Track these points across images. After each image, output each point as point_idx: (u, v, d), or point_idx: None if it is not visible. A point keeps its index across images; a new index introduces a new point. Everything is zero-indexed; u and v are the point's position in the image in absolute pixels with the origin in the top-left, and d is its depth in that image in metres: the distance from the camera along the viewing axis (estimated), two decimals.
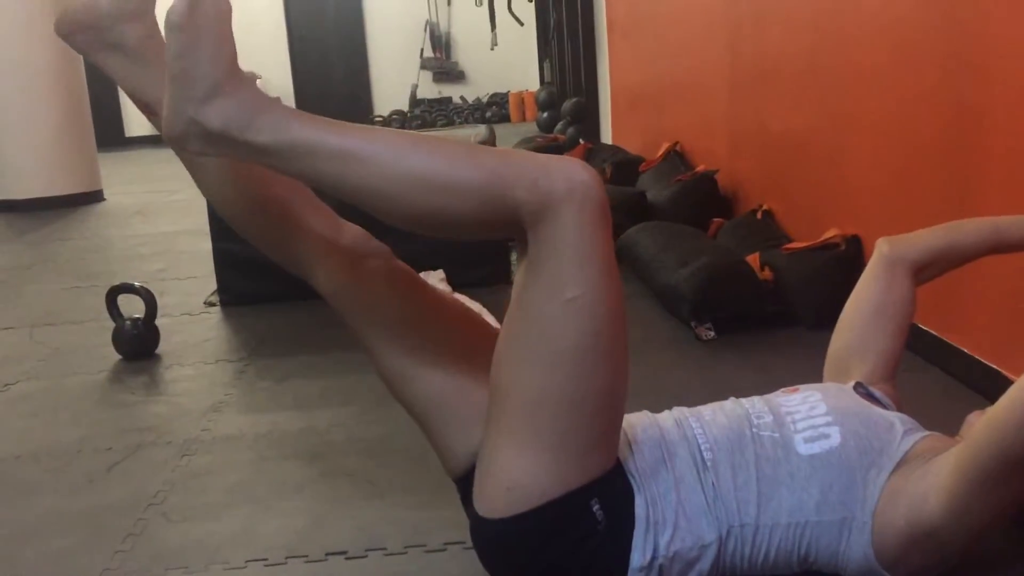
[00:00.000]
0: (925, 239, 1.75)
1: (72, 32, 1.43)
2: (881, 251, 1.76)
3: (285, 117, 1.23)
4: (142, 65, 1.43)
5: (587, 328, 1.29)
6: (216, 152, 1.26)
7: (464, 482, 1.44)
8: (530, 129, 9.50)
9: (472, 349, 1.43)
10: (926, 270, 1.74)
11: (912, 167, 2.45)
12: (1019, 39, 1.96)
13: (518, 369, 1.32)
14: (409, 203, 1.25)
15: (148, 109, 1.46)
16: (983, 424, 1.29)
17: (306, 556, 1.61)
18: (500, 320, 1.39)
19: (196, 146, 1.25)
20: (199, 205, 3.60)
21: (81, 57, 1.55)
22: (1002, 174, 2.05)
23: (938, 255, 1.74)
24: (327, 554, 1.61)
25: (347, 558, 1.60)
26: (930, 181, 2.36)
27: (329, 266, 1.44)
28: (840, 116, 2.91)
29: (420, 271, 3.54)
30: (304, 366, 2.69)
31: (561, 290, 1.27)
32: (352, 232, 1.47)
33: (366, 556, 1.60)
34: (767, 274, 2.86)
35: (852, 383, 1.63)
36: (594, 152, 5.66)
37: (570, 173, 1.26)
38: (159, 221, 5.61)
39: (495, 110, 12.08)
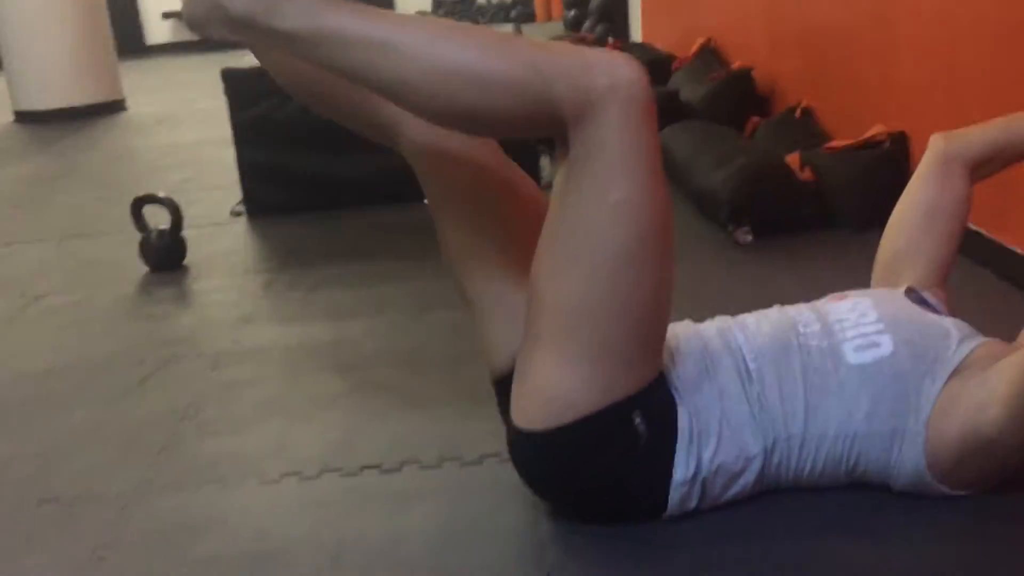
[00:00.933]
0: (983, 134, 1.65)
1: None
2: (936, 148, 1.66)
3: (311, 2, 1.16)
4: None
5: (632, 232, 1.23)
6: (239, 38, 1.21)
7: (503, 386, 1.40)
8: (556, 28, 9.24)
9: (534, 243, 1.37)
10: (982, 168, 1.65)
11: (961, 58, 2.32)
12: None
13: (558, 276, 1.27)
14: (442, 97, 1.18)
15: None
16: None
17: (340, 469, 1.59)
18: None
19: (218, 31, 1.20)
20: (222, 113, 3.52)
21: None
22: None
23: (996, 151, 1.64)
24: (362, 467, 1.59)
25: (382, 471, 1.57)
26: (981, 73, 2.23)
27: (412, 126, 1.36)
28: (884, 6, 2.75)
29: None
30: (334, 276, 2.65)
31: (605, 192, 1.21)
32: None
33: (400, 469, 1.57)
34: (808, 174, 2.76)
35: (903, 288, 1.56)
36: (624, 51, 5.47)
37: (613, 68, 1.18)
38: (182, 130, 5.54)
39: (520, 9, 11.76)
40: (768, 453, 1.35)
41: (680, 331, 1.45)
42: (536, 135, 1.28)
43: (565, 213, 1.25)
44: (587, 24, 7.63)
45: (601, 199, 1.21)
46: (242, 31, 1.19)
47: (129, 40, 10.64)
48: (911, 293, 1.54)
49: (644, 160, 1.21)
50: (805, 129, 3.25)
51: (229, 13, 1.17)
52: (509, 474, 1.42)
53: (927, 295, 1.55)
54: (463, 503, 1.47)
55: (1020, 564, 1.25)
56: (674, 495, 1.33)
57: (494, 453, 1.56)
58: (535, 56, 1.19)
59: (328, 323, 2.30)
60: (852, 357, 1.37)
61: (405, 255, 2.78)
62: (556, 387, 1.29)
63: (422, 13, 11.24)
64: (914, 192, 1.66)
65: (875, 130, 2.72)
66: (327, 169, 3.38)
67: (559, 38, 6.96)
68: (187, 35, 10.84)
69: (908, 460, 1.33)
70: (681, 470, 1.32)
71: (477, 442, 1.62)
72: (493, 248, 1.39)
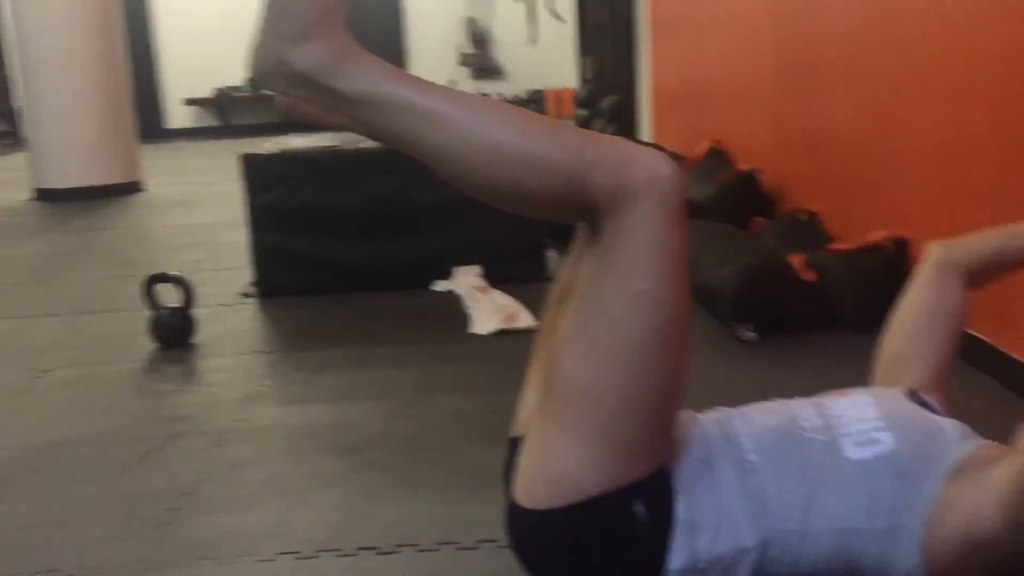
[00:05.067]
0: (980, 244, 1.69)
1: None
2: (934, 256, 1.70)
3: (372, 67, 1.22)
4: None
5: (653, 324, 1.25)
6: (298, 94, 1.25)
7: (515, 443, 1.41)
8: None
9: None
10: (980, 276, 1.69)
11: (963, 169, 2.38)
12: None
13: (579, 360, 1.29)
14: (486, 173, 1.22)
15: None
16: None
17: (338, 550, 1.59)
18: (536, 317, 1.35)
19: (279, 85, 1.25)
20: (237, 197, 3.60)
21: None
22: None
23: (993, 260, 1.68)
24: (359, 548, 1.59)
25: (378, 553, 1.57)
26: (981, 183, 2.29)
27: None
28: (889, 117, 2.84)
29: (455, 267, 3.57)
30: (339, 359, 2.68)
31: (631, 281, 1.24)
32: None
33: (398, 552, 1.57)
34: (811, 275, 2.80)
35: (905, 389, 1.57)
36: None
37: (653, 163, 1.23)
38: (197, 212, 5.64)
39: (532, 107, 12.04)
40: (765, 546, 1.35)
41: (682, 422, 1.46)
42: (569, 218, 1.33)
43: (591, 299, 1.28)
44: (598, 124, 7.80)
45: (626, 287, 1.24)
46: (303, 87, 1.24)
47: (150, 124, 10.90)
48: (912, 394, 1.56)
49: (671, 255, 1.25)
50: (809, 231, 3.30)
51: (294, 69, 1.22)
52: (506, 560, 1.42)
53: (927, 397, 1.57)
54: None
55: None
56: None
57: (491, 539, 1.56)
58: (580, 143, 1.24)
59: (331, 405, 2.32)
60: (852, 452, 1.38)
61: (408, 340, 2.81)
62: (564, 468, 1.30)
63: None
64: (913, 297, 1.69)
65: (878, 235, 2.77)
66: (337, 254, 3.45)
67: None
68: (206, 121, 11.03)
69: (905, 559, 1.33)
70: (677, 559, 1.32)
71: (475, 527, 1.62)
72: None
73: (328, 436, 2.12)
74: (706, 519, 1.34)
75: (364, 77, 1.22)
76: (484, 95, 1.41)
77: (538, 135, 1.23)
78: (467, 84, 12.30)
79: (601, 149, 1.24)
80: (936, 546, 1.31)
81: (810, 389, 1.62)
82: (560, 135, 1.25)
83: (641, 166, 1.22)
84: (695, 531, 1.33)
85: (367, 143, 1.34)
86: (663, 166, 1.23)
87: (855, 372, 1.72)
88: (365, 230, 3.46)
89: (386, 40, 12.66)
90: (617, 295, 1.25)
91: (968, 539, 1.28)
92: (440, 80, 1.30)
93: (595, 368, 1.27)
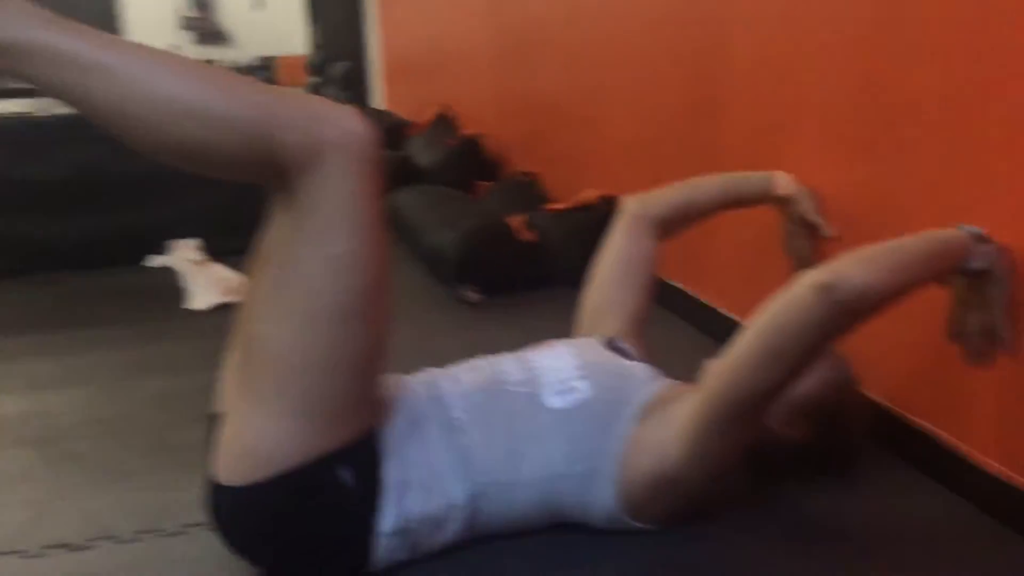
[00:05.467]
0: (665, 196, 1.80)
1: None
2: (626, 209, 1.79)
3: (23, 14, 1.09)
4: None
5: (350, 287, 1.22)
6: None
7: (213, 420, 1.34)
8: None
9: None
10: (669, 226, 1.79)
11: (662, 132, 2.53)
12: (754, 16, 2.05)
13: (271, 327, 1.23)
14: (159, 130, 1.13)
15: None
16: (713, 371, 1.33)
17: (22, 552, 1.44)
18: None
19: None
20: None
21: None
22: (739, 137, 2.15)
23: (679, 211, 1.79)
24: (45, 547, 1.45)
25: (70, 550, 1.44)
26: (677, 145, 2.44)
27: None
28: (596, 84, 2.96)
29: (171, 240, 3.36)
30: (36, 345, 2.45)
31: (324, 244, 1.19)
32: None
33: (91, 547, 1.45)
34: (531, 235, 2.88)
35: (603, 338, 1.65)
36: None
37: (344, 121, 1.18)
38: None
39: (264, 74, 11.60)
40: (474, 500, 1.37)
41: (389, 385, 1.45)
42: (258, 180, 1.25)
43: (282, 263, 1.23)
44: (330, 91, 7.65)
45: (320, 251, 1.20)
46: None
47: None
48: (609, 342, 1.63)
49: (366, 216, 1.21)
50: (530, 193, 3.40)
51: None
52: (213, 543, 1.35)
53: (623, 343, 1.65)
54: None
55: None
56: (380, 548, 1.31)
57: (199, 523, 1.48)
58: (265, 99, 1.17)
59: (22, 396, 2.11)
60: (552, 402, 1.42)
61: (117, 321, 2.62)
62: (261, 439, 1.25)
63: None
64: (609, 250, 1.78)
65: (589, 193, 2.90)
66: (34, 231, 3.15)
67: None
68: None
69: (604, 499, 1.39)
70: (387, 522, 1.31)
71: (181, 512, 1.53)
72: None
73: (16, 428, 1.92)
74: (415, 479, 1.33)
75: (12, 24, 1.09)
76: (209, 62, 1.30)
77: (218, 91, 1.16)
78: (189, 50, 11.64)
79: (289, 106, 1.18)
80: (629, 484, 1.38)
81: (530, 344, 1.66)
82: (243, 91, 1.18)
83: (331, 124, 1.18)
84: (404, 492, 1.32)
85: (67, 108, 1.21)
86: (354, 123, 1.19)
87: (572, 326, 1.78)
88: (67, 204, 3.18)
89: (96, 1, 11.71)
90: (311, 258, 1.21)
91: (656, 475, 1.36)
92: (159, 46, 1.19)
93: (291, 334, 1.22)
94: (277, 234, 1.25)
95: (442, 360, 1.56)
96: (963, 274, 1.42)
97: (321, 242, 1.20)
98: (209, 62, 1.26)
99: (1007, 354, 1.42)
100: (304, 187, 1.18)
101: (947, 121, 1.51)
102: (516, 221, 2.94)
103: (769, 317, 1.27)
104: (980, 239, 1.38)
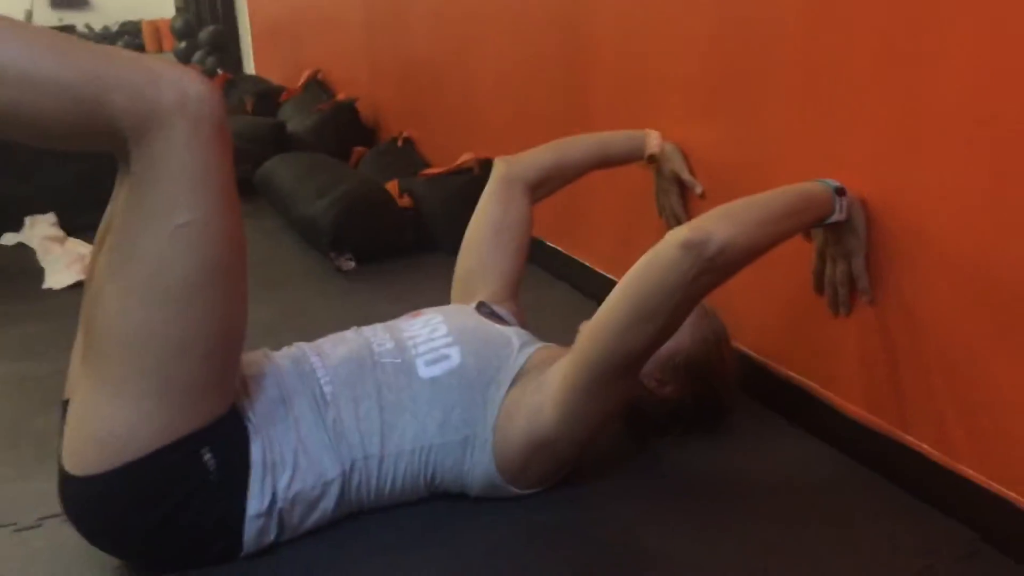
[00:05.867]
0: (535, 157, 1.78)
1: None
2: (498, 171, 1.76)
3: None
4: None
5: (199, 260, 1.15)
6: None
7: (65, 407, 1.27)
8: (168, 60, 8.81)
9: None
10: (540, 187, 1.77)
11: (534, 93, 2.50)
12: None
13: (117, 305, 1.16)
14: None
15: None
16: (584, 333, 1.32)
17: None
18: None
19: None
20: None
21: None
22: (606, 97, 2.15)
23: (550, 171, 1.78)
24: None
25: None
26: (549, 105, 2.43)
27: None
28: (468, 47, 2.91)
29: (27, 215, 3.17)
30: None
31: (169, 215, 1.12)
32: None
33: None
34: (406, 201, 2.83)
35: (475, 303, 1.63)
36: (235, 83, 5.33)
37: (183, 83, 1.11)
38: None
39: (128, 40, 11.07)
40: (347, 475, 1.33)
41: (253, 360, 1.39)
42: (94, 147, 1.17)
43: (127, 236, 1.15)
44: (197, 56, 7.36)
45: (165, 222, 1.13)
46: None
47: None
48: (482, 307, 1.61)
49: (213, 182, 1.15)
50: (406, 158, 3.34)
51: None
52: (72, 534, 1.27)
53: (497, 307, 1.63)
54: (20, 574, 1.30)
55: (572, 550, 1.33)
56: (250, 530, 1.27)
57: (57, 514, 1.39)
58: (95, 61, 1.09)
59: None
60: (423, 371, 1.40)
61: None
62: (112, 426, 1.18)
63: None
64: (481, 213, 1.75)
65: (465, 157, 2.86)
66: None
67: None
68: None
69: (480, 466, 1.38)
70: (256, 503, 1.26)
71: (38, 504, 1.44)
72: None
73: None
74: (284, 458, 1.29)
75: None
76: (66, 28, 1.19)
77: (44, 51, 1.07)
78: (45, 14, 11.03)
79: (122, 69, 1.11)
80: (505, 449, 1.37)
81: (406, 312, 1.62)
82: (73, 52, 1.10)
83: (169, 86, 1.11)
84: (273, 472, 1.28)
85: None
86: (195, 85, 1.13)
87: (448, 292, 1.75)
88: None
89: None
90: (155, 230, 1.14)
91: (531, 438, 1.35)
92: (15, 11, 1.09)
93: (136, 313, 1.15)
94: (122, 206, 1.17)
95: (317, 332, 1.51)
96: (824, 227, 1.45)
97: (164, 213, 1.13)
98: (66, 28, 1.17)
99: (868, 302, 1.46)
100: (144, 154, 1.12)
101: (800, 84, 1.53)
102: (392, 187, 2.88)
103: (636, 276, 1.26)
104: (838, 192, 1.41)
